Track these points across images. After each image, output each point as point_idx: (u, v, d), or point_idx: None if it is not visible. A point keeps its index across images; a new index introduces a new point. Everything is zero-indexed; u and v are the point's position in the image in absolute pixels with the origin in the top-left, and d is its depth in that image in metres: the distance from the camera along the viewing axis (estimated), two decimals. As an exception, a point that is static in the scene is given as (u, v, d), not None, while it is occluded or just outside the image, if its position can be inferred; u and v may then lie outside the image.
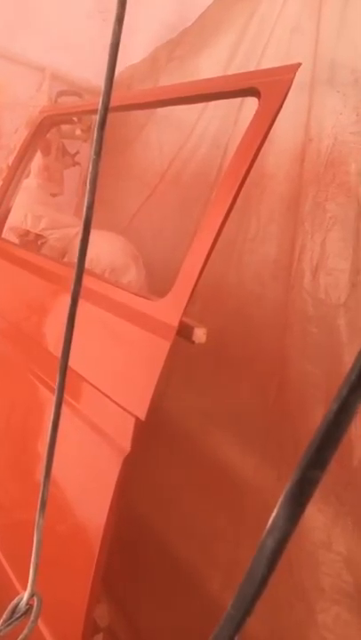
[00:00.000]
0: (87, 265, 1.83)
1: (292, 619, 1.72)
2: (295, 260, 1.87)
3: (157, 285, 2.28)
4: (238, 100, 2.10)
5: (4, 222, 2.25)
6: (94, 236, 2.03)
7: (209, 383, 2.15)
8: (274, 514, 0.34)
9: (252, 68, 2.11)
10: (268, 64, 2.06)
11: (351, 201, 1.75)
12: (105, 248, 2.21)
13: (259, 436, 1.92)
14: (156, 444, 2.09)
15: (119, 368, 1.34)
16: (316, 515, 1.70)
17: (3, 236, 2.20)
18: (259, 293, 2.00)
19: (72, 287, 0.52)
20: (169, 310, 1.22)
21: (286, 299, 1.88)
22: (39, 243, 2.27)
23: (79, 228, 1.77)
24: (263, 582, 0.33)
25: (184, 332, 1.21)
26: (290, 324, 1.86)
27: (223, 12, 2.41)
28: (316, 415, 1.74)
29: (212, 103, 2.28)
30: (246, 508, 1.88)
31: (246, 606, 0.34)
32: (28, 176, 2.51)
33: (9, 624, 0.62)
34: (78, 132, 2.79)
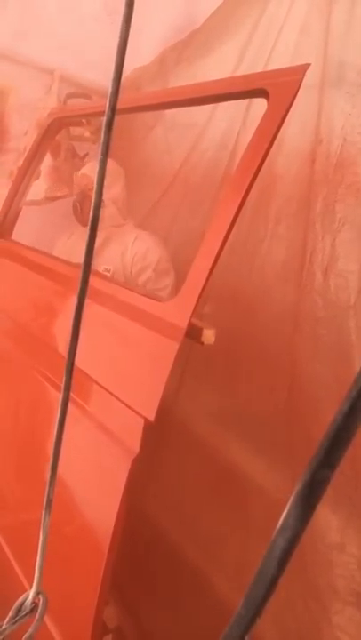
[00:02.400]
0: (131, 256, 1.84)
1: (307, 619, 1.72)
2: (306, 261, 1.86)
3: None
4: (246, 100, 2.10)
5: (14, 223, 2.26)
6: (143, 234, 2.03)
7: (222, 384, 2.15)
8: (284, 514, 0.34)
9: (260, 69, 2.11)
10: (276, 65, 2.06)
11: (360, 202, 1.74)
12: (156, 247, 2.27)
13: (271, 438, 1.92)
14: (168, 444, 2.09)
15: (128, 369, 1.34)
16: (330, 516, 1.69)
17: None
18: (271, 295, 2.00)
19: (79, 286, 0.52)
20: (178, 311, 1.22)
21: (298, 300, 1.88)
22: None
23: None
24: (273, 582, 0.33)
25: (193, 333, 1.21)
26: (301, 325, 1.86)
27: (231, 14, 2.41)
28: (328, 416, 1.73)
29: (221, 104, 2.29)
30: (257, 509, 1.88)
31: (256, 606, 0.34)
32: (37, 178, 2.52)
33: (15, 622, 0.63)
34: (87, 133, 2.80)
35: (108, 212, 2.30)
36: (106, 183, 1.91)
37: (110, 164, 2.35)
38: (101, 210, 2.27)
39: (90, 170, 2.33)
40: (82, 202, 2.37)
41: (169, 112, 2.70)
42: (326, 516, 1.69)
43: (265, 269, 2.02)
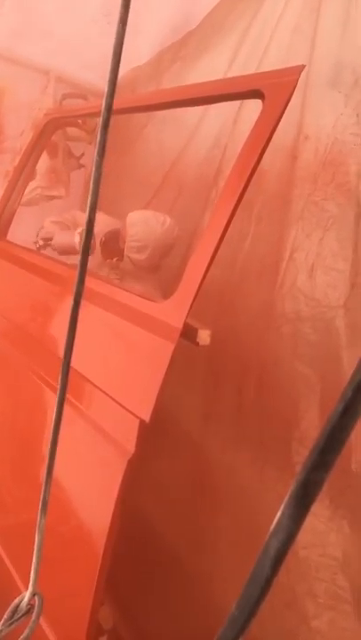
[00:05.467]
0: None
1: (286, 623, 1.70)
2: (285, 258, 1.85)
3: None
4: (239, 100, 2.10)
5: (10, 223, 2.26)
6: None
7: (196, 382, 2.14)
8: (278, 515, 0.34)
9: (254, 70, 2.11)
10: (269, 65, 2.06)
11: (351, 202, 1.74)
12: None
13: (246, 437, 1.92)
14: (159, 443, 2.09)
15: (123, 370, 1.34)
16: (309, 518, 1.68)
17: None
18: (249, 291, 1.99)
19: (75, 288, 0.52)
20: (173, 312, 1.23)
21: (273, 297, 1.87)
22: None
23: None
24: (267, 583, 0.33)
25: (188, 333, 1.21)
26: (278, 323, 1.85)
27: (227, 14, 2.41)
28: (310, 416, 1.73)
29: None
30: (244, 509, 1.88)
31: (251, 607, 0.34)
32: (33, 178, 2.52)
33: (10, 623, 0.62)
34: (83, 134, 2.80)
35: (124, 264, 2.22)
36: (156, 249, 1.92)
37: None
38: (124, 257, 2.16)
39: (132, 222, 2.15)
40: (111, 239, 2.26)
41: (161, 111, 2.69)
42: (306, 518, 1.68)
43: (247, 267, 2.02)
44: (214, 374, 2.08)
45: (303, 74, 1.83)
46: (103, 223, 2.35)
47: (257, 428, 1.87)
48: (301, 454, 1.71)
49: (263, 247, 1.96)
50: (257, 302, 1.94)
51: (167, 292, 2.28)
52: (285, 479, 1.73)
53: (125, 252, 2.15)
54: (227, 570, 1.92)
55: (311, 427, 1.71)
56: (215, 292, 2.08)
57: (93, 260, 2.31)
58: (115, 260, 2.23)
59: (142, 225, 2.10)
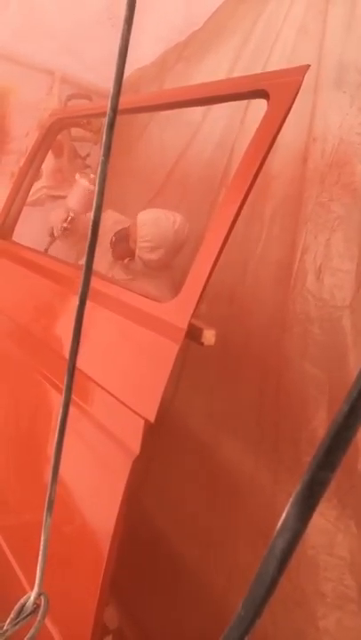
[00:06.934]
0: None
1: (295, 624, 1.70)
2: (297, 260, 1.85)
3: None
4: (245, 100, 2.10)
5: (15, 224, 2.26)
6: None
7: (212, 384, 2.14)
8: (284, 515, 0.34)
9: (259, 69, 2.11)
10: (274, 65, 2.06)
11: (357, 202, 1.74)
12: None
13: (258, 438, 1.91)
14: (165, 445, 2.09)
15: (128, 370, 1.34)
16: (316, 518, 1.68)
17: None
18: (261, 294, 1.99)
19: (80, 288, 0.52)
20: (178, 312, 1.22)
21: (286, 299, 1.87)
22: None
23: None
24: (273, 583, 0.33)
25: (193, 334, 1.21)
26: (290, 324, 1.85)
27: (231, 14, 2.41)
28: (318, 416, 1.73)
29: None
30: (249, 510, 1.88)
31: (256, 607, 0.34)
32: (38, 179, 2.52)
33: (16, 623, 0.62)
34: (88, 134, 2.81)
35: (135, 264, 2.23)
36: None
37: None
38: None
39: (143, 222, 2.12)
40: (121, 239, 2.26)
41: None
42: (313, 518, 1.68)
43: (260, 270, 2.02)
44: (229, 376, 2.08)
45: (312, 76, 1.84)
46: (112, 220, 2.36)
47: (273, 429, 1.87)
48: (310, 454, 1.70)
49: (277, 249, 1.96)
50: (272, 304, 1.94)
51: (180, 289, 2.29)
52: (295, 480, 1.73)
53: (137, 253, 2.14)
54: (234, 570, 1.92)
55: (320, 427, 1.71)
56: (230, 294, 2.08)
57: (104, 261, 2.32)
58: (126, 260, 2.23)
59: (153, 225, 2.08)
